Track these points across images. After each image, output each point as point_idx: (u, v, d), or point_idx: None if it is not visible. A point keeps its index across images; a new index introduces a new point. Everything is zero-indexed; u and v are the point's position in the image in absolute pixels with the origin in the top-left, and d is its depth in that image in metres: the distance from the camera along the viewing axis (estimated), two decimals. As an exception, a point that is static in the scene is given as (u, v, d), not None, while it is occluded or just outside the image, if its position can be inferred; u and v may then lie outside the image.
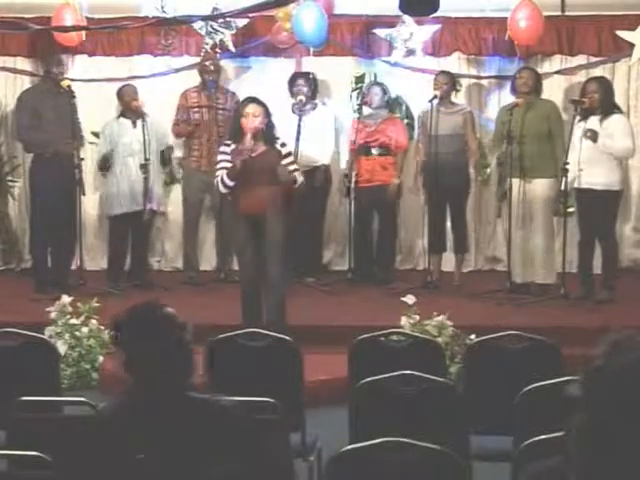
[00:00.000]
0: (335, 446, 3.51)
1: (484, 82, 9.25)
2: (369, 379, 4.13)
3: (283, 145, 6.71)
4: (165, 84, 9.16)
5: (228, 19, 8.75)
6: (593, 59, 9.04)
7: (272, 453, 3.11)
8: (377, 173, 8.50)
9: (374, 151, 8.51)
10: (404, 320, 6.55)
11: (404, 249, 9.25)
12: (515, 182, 7.98)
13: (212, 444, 2.83)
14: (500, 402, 4.25)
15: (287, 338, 4.83)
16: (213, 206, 8.76)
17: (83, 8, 8.82)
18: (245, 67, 9.35)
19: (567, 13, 9.01)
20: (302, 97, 8.45)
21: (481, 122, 8.93)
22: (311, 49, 8.98)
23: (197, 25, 8.80)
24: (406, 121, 9.00)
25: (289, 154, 6.77)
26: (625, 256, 8.87)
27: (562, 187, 7.75)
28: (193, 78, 8.90)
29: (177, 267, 9.29)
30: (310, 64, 9.08)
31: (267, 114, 6.61)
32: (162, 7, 8.84)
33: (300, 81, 8.64)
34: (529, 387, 4.04)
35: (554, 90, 8.80)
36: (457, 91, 8.58)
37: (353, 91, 9.22)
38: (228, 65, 9.23)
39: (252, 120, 6.51)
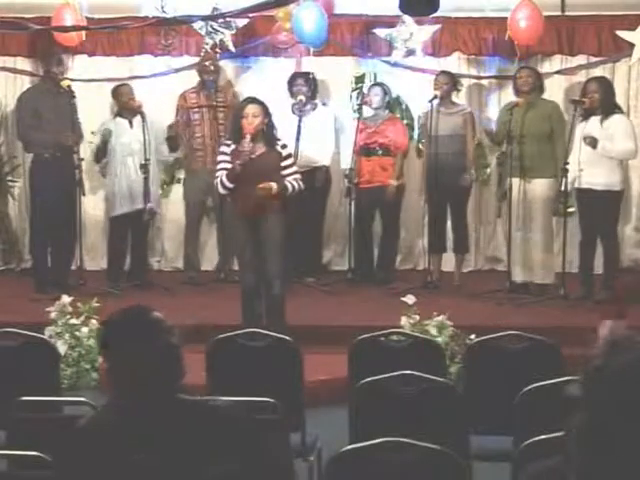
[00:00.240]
0: (335, 446, 3.51)
1: (484, 82, 9.25)
2: (369, 379, 4.13)
3: (284, 147, 6.71)
4: (165, 84, 9.17)
5: (228, 19, 8.75)
6: (593, 59, 9.04)
7: (270, 453, 3.10)
8: (377, 174, 8.50)
9: (374, 152, 8.51)
10: (404, 320, 6.55)
11: (404, 249, 9.25)
12: (515, 182, 7.98)
13: (205, 446, 2.82)
14: (500, 402, 4.25)
15: (287, 338, 4.83)
16: (214, 207, 8.76)
17: (83, 8, 8.82)
18: (245, 67, 9.35)
19: (567, 13, 9.01)
20: (302, 97, 8.45)
21: (482, 122, 8.93)
22: (311, 49, 8.98)
23: (197, 25, 8.80)
24: (405, 121, 8.99)
25: (289, 156, 6.76)
26: (625, 256, 8.87)
27: (562, 187, 7.75)
28: (193, 78, 8.90)
29: (177, 267, 9.29)
30: (310, 64, 9.08)
31: (267, 114, 6.60)
32: (162, 7, 8.84)
33: (300, 81, 8.63)
34: (529, 387, 4.04)
35: (554, 90, 8.79)
36: (458, 91, 8.57)
37: (353, 91, 9.22)
38: (228, 65, 9.24)
39: (252, 121, 6.51)
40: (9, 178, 9.32)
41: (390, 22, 8.90)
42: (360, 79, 9.22)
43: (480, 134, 8.68)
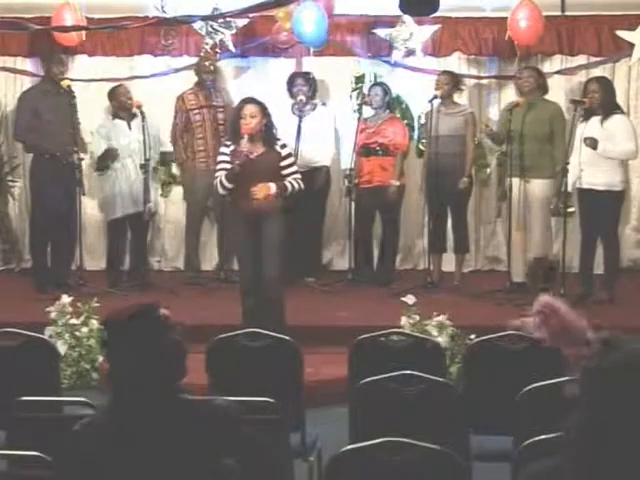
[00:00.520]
0: (335, 446, 3.51)
1: (484, 82, 9.25)
2: (369, 379, 4.13)
3: (283, 147, 6.70)
4: (165, 84, 9.17)
5: (228, 19, 8.75)
6: (593, 59, 9.04)
7: (269, 452, 3.11)
8: (377, 174, 8.49)
9: (374, 152, 8.50)
10: (404, 320, 6.55)
11: (404, 249, 9.25)
12: (515, 182, 7.98)
13: (205, 445, 2.82)
14: (500, 402, 4.25)
15: (287, 338, 4.82)
16: (214, 207, 8.76)
17: (83, 8, 8.82)
18: (245, 67, 9.35)
19: (567, 13, 9.01)
20: (302, 97, 8.45)
21: (482, 122, 8.91)
22: (311, 49, 8.98)
23: (197, 25, 8.80)
24: (406, 121, 8.99)
25: (289, 155, 6.75)
26: (625, 256, 8.87)
27: (562, 187, 7.75)
28: (193, 78, 8.89)
29: (177, 267, 9.29)
30: (310, 64, 9.08)
31: (265, 114, 6.59)
32: (162, 7, 8.84)
33: (300, 81, 8.63)
34: (529, 387, 4.04)
35: (554, 90, 8.77)
36: (460, 91, 8.53)
37: (353, 91, 9.22)
38: (228, 65, 9.24)
39: (249, 121, 6.51)
40: (9, 178, 9.32)
41: (390, 22, 8.89)
42: (360, 79, 9.22)
43: (480, 133, 8.66)
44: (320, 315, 7.56)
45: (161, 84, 9.19)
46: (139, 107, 8.25)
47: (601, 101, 7.67)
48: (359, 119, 8.60)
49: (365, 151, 8.50)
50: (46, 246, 8.42)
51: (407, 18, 8.71)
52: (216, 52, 8.89)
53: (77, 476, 2.90)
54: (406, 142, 8.62)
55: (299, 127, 8.13)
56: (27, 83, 9.19)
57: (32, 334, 4.96)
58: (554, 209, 8.03)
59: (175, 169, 9.16)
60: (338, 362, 5.20)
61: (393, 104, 8.93)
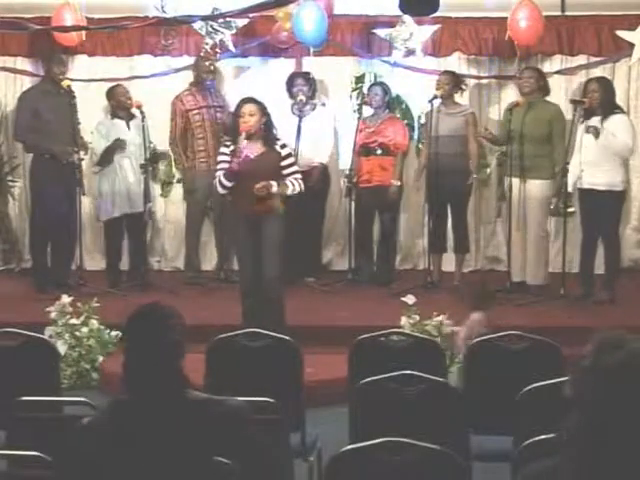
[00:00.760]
0: (335, 446, 3.51)
1: (484, 82, 9.24)
2: (369, 379, 4.13)
3: (283, 146, 6.70)
4: (165, 84, 9.16)
5: (228, 19, 8.74)
6: (593, 59, 9.04)
7: (269, 452, 3.11)
8: (376, 173, 8.49)
9: (373, 151, 8.50)
10: (404, 320, 6.55)
11: (404, 249, 9.25)
12: (515, 182, 7.98)
13: (206, 444, 2.83)
14: (500, 402, 4.25)
15: (287, 338, 4.82)
16: (214, 207, 8.75)
17: (83, 8, 8.82)
18: (245, 67, 9.35)
19: (567, 13, 9.01)
20: (302, 97, 8.45)
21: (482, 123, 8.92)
22: (311, 49, 8.98)
23: (197, 25, 8.79)
24: (406, 121, 8.99)
25: (289, 155, 6.75)
26: (625, 256, 8.87)
27: (562, 187, 7.75)
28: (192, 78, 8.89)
29: (177, 267, 9.29)
30: (310, 64, 9.08)
31: (264, 114, 6.60)
32: (162, 7, 8.83)
33: (299, 81, 8.63)
34: (529, 387, 4.04)
35: (554, 90, 8.77)
36: (462, 91, 8.52)
37: (353, 91, 9.22)
38: (228, 65, 9.24)
39: (248, 119, 6.51)
40: (9, 178, 9.31)
41: (390, 22, 8.89)
42: (360, 79, 9.22)
43: (479, 138, 8.64)
44: (320, 315, 7.56)
45: (161, 84, 9.18)
46: (139, 107, 8.26)
47: (601, 101, 7.67)
48: (359, 119, 8.61)
49: (365, 151, 8.49)
50: (46, 246, 8.42)
51: (407, 18, 8.71)
52: (216, 52, 8.88)
53: (77, 476, 2.90)
54: (406, 142, 8.62)
55: (299, 127, 8.13)
56: (27, 83, 9.19)
57: (32, 334, 4.96)
58: (554, 209, 8.03)
59: (175, 170, 9.16)
60: (338, 362, 5.20)
61: (393, 104, 8.92)
